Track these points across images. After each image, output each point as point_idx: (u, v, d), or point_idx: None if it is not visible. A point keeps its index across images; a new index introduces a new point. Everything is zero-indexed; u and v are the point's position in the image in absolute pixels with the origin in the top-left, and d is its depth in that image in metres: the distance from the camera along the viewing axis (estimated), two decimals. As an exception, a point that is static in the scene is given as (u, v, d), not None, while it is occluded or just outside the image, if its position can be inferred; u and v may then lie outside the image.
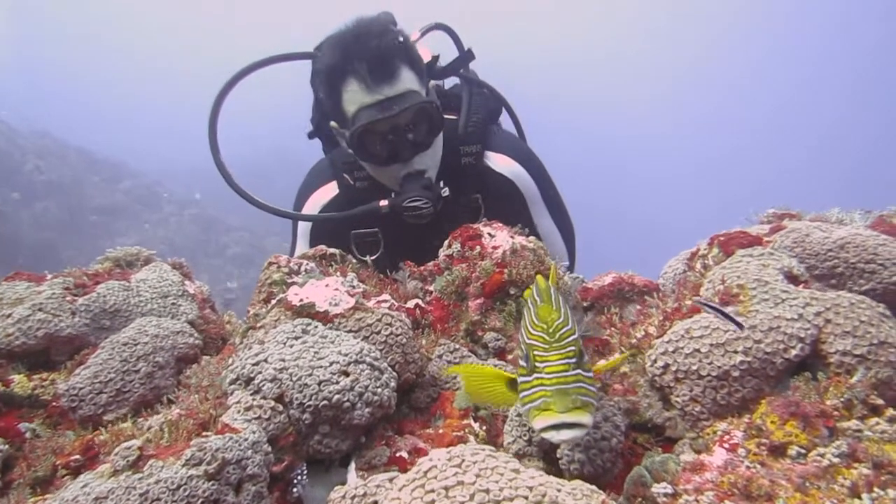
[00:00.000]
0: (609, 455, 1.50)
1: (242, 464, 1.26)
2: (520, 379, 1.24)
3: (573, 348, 1.20)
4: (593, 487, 1.13)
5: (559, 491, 1.09)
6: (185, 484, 1.18)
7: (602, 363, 1.44)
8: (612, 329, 2.02)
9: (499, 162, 2.79)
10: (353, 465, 1.49)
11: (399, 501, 1.10)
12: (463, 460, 1.13)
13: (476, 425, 1.60)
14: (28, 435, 1.68)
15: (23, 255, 13.81)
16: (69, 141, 20.29)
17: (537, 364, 1.19)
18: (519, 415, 1.53)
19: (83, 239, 16.18)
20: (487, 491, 1.06)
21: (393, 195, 2.51)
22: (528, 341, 1.24)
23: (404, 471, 1.47)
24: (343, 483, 1.49)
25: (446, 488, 1.08)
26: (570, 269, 3.00)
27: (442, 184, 2.53)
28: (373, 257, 2.61)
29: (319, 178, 2.85)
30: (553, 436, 1.15)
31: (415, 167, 2.49)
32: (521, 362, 1.25)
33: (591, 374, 1.21)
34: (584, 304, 2.17)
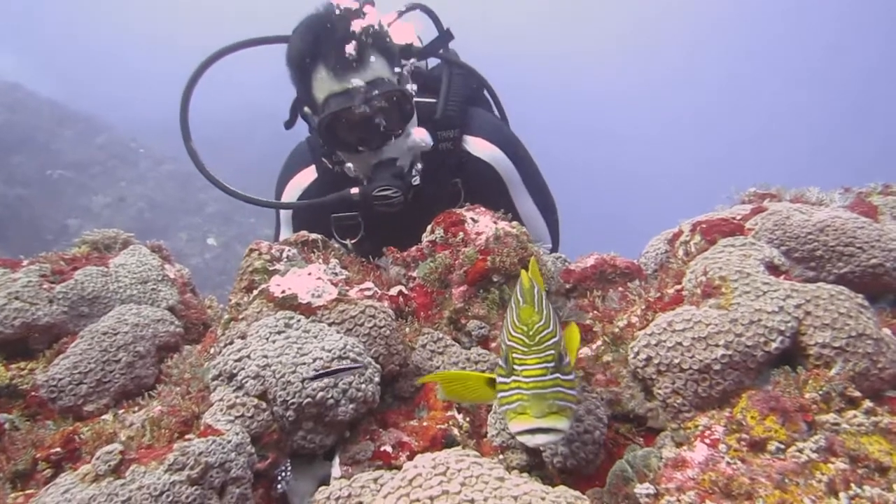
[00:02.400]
0: (592, 447, 1.51)
1: (226, 467, 1.26)
2: (498, 380, 1.24)
3: (552, 352, 1.19)
4: (577, 494, 1.15)
5: (543, 499, 1.10)
6: (168, 490, 1.17)
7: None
8: (595, 313, 2.03)
9: (477, 146, 2.75)
10: (337, 460, 1.50)
11: (384, 510, 1.11)
12: (448, 468, 1.14)
13: (460, 417, 1.60)
14: (7, 426, 1.67)
15: (-1, 211, 13.59)
16: (40, 93, 19.79)
17: (515, 367, 1.19)
18: None
19: (59, 196, 15.93)
20: (472, 501, 1.07)
21: (365, 183, 2.48)
22: (508, 343, 1.23)
23: (389, 465, 1.49)
24: (327, 476, 1.51)
25: (431, 498, 1.09)
26: (555, 247, 3.00)
27: (414, 172, 2.50)
28: (353, 241, 2.59)
29: (298, 162, 2.81)
30: (528, 439, 1.15)
31: (386, 155, 2.45)
32: (501, 363, 1.25)
33: (570, 378, 1.21)
34: (567, 287, 2.17)
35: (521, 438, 1.17)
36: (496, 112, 3.17)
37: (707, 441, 1.39)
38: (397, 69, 2.47)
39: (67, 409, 1.68)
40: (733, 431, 1.37)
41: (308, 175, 2.77)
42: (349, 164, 2.53)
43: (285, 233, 2.90)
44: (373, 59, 2.33)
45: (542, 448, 1.50)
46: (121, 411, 1.64)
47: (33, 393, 1.72)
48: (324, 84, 2.33)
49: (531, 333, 1.21)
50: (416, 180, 2.48)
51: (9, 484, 1.51)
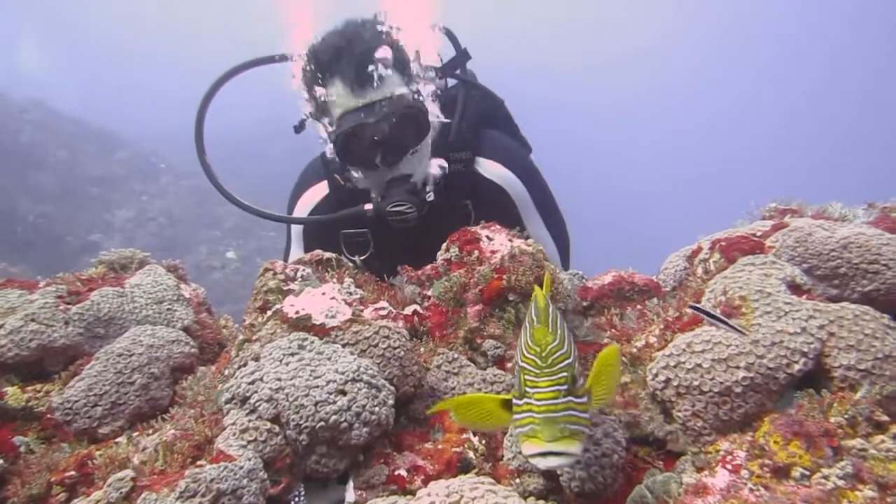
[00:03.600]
0: (610, 471, 1.48)
1: (238, 493, 1.24)
2: (514, 401, 1.22)
3: (565, 374, 1.17)
4: (593, 522, 1.12)
5: (559, 528, 1.07)
6: (180, 518, 1.16)
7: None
8: (613, 331, 2.00)
9: (489, 168, 2.74)
10: (351, 484, 1.48)
11: (397, 539, 1.09)
12: (462, 496, 1.12)
13: (475, 439, 1.58)
14: (22, 449, 1.67)
15: (21, 228, 13.77)
16: (63, 111, 20.09)
17: (527, 389, 1.17)
18: None
19: (81, 212, 16.12)
20: (487, 530, 1.05)
21: (379, 199, 2.47)
22: (521, 364, 1.21)
23: (403, 489, 1.47)
24: (341, 500, 1.49)
25: (445, 527, 1.06)
26: None
27: (428, 188, 2.49)
28: (362, 257, 2.58)
29: (311, 177, 2.82)
30: (540, 462, 1.13)
31: (400, 171, 2.46)
32: (515, 384, 1.23)
33: (584, 400, 1.19)
34: (584, 304, 2.15)
35: (533, 461, 1.15)
36: (514, 135, 3.16)
37: (729, 466, 1.36)
38: (413, 85, 2.46)
39: (82, 431, 1.68)
40: (756, 457, 1.34)
41: (320, 190, 2.78)
42: (362, 179, 2.53)
43: (296, 248, 2.91)
44: (390, 75, 2.32)
45: (558, 472, 1.48)
46: (135, 434, 1.63)
47: (48, 415, 1.72)
48: (340, 99, 2.34)
49: (544, 355, 1.19)
50: (431, 196, 2.47)
51: (23, 508, 1.50)
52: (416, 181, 2.50)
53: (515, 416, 1.19)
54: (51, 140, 17.43)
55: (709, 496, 1.31)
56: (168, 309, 2.02)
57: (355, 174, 2.57)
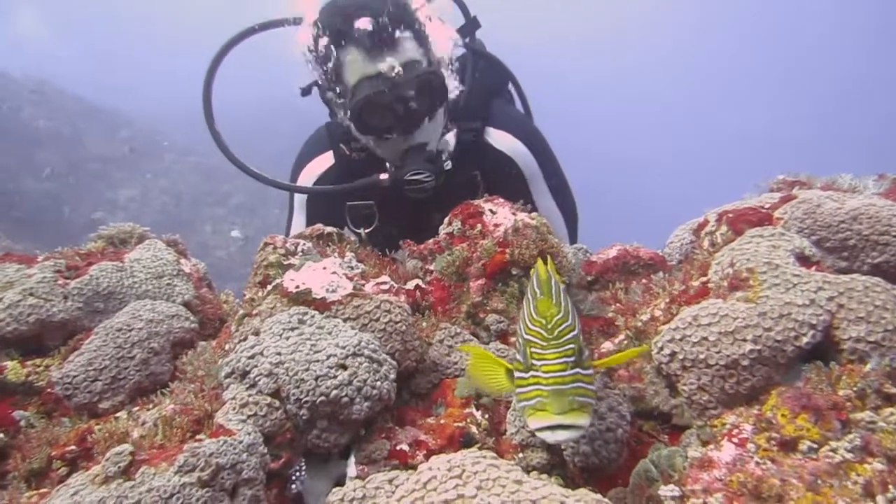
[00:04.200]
0: (615, 446, 1.47)
1: (237, 468, 1.23)
2: (516, 374, 1.20)
3: (572, 346, 1.15)
4: (598, 497, 1.10)
5: (563, 503, 1.05)
6: (179, 492, 1.14)
7: (606, 358, 1.39)
8: (618, 305, 1.98)
9: (499, 139, 2.70)
10: (352, 459, 1.46)
11: (397, 514, 1.07)
12: (464, 470, 1.10)
13: (478, 414, 1.56)
14: (23, 423, 1.66)
15: (26, 206, 13.77)
16: (66, 88, 20.02)
17: (534, 362, 1.14)
18: None
19: (85, 190, 16.12)
20: (488, 505, 1.03)
21: (393, 168, 2.43)
22: (525, 336, 1.19)
23: (405, 464, 1.45)
24: (343, 475, 1.48)
25: (446, 502, 1.04)
26: None
27: (445, 156, 2.45)
28: (367, 230, 2.55)
29: (315, 148, 2.77)
30: (548, 436, 1.12)
31: (416, 140, 2.41)
32: (518, 357, 1.21)
33: (590, 372, 1.17)
34: (589, 279, 2.12)
35: (541, 435, 1.13)
36: (521, 106, 3.11)
37: (735, 440, 1.33)
38: (429, 52, 2.41)
39: (83, 406, 1.67)
40: (762, 430, 1.31)
41: (324, 161, 2.73)
42: (377, 148, 2.49)
43: (298, 218, 2.86)
44: (405, 40, 2.28)
45: (562, 446, 1.46)
46: (135, 409, 1.62)
47: (49, 390, 1.71)
48: (355, 66, 2.28)
49: (550, 327, 1.16)
50: (448, 164, 2.43)
51: (24, 482, 1.50)
52: (432, 150, 2.46)
53: (519, 389, 1.17)
54: (54, 117, 17.39)
55: (714, 470, 1.29)
56: (168, 284, 2.00)
57: (369, 143, 2.53)
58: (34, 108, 17.24)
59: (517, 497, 1.05)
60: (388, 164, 2.48)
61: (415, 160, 2.37)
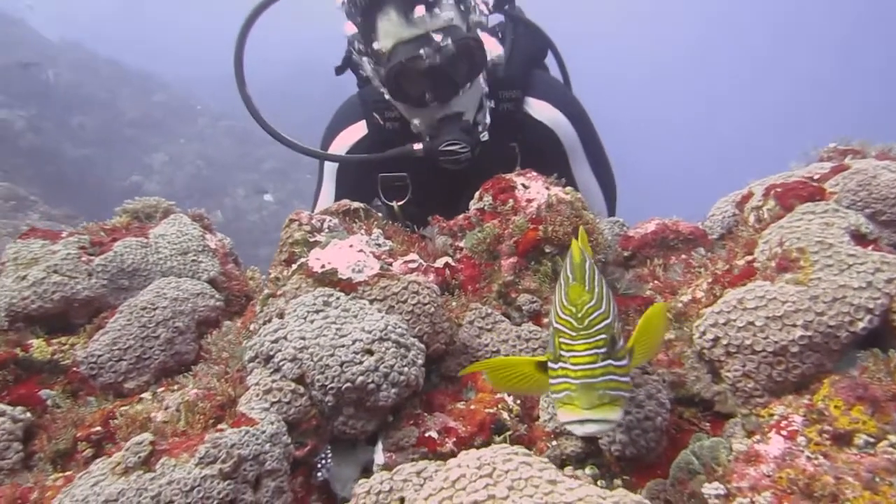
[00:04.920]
0: (653, 435, 1.40)
1: (260, 459, 1.19)
2: (549, 365, 1.14)
3: (604, 336, 1.08)
4: (638, 499, 1.03)
5: (599, 505, 0.99)
6: (200, 485, 1.11)
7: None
8: (656, 283, 1.89)
9: (540, 109, 2.59)
10: (380, 446, 1.42)
11: (424, 514, 1.02)
12: (494, 468, 1.04)
13: (510, 399, 1.50)
14: (49, 403, 1.65)
15: (67, 171, 13.95)
16: (99, 51, 20.12)
17: (563, 353, 1.08)
18: None
19: (121, 155, 16.29)
20: (521, 507, 0.98)
21: (428, 138, 2.34)
22: (555, 325, 1.13)
23: (434, 452, 1.40)
24: (370, 461, 1.44)
25: (475, 503, 0.99)
26: None
27: (481, 127, 2.36)
28: (400, 202, 2.48)
29: (347, 116, 2.68)
30: (577, 429, 1.07)
31: (453, 109, 2.31)
32: (549, 346, 1.15)
33: (624, 363, 1.10)
34: (625, 255, 2.04)
35: (569, 428, 1.08)
36: (560, 76, 2.99)
37: (784, 433, 1.26)
38: (470, 16, 2.31)
39: (108, 385, 1.65)
40: (814, 422, 1.23)
41: (357, 131, 2.65)
42: (410, 117, 2.41)
43: (327, 188, 2.79)
44: (444, 4, 2.18)
45: (598, 435, 1.40)
46: (160, 390, 1.60)
47: (74, 369, 1.69)
48: (392, 29, 2.18)
49: (580, 316, 1.09)
50: (485, 136, 2.35)
51: (49, 464, 1.48)
52: (468, 119, 2.36)
53: (551, 381, 1.11)
54: (89, 81, 17.52)
55: (762, 464, 1.22)
56: (193, 260, 1.96)
57: (403, 111, 2.45)
58: (71, 72, 17.37)
59: (551, 499, 0.99)
60: (423, 135, 2.40)
61: (450, 130, 2.27)
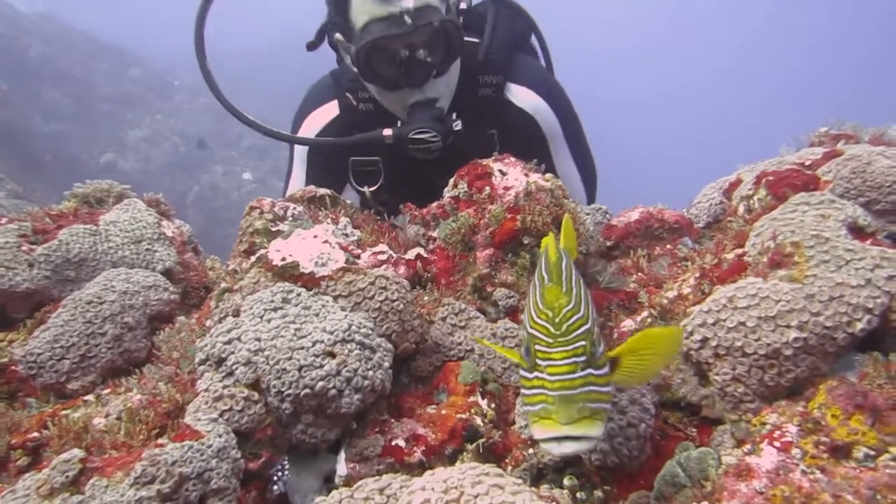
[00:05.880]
0: (636, 443, 1.32)
1: (205, 477, 1.08)
2: (521, 372, 1.05)
3: (583, 343, 0.98)
4: (621, 526, 0.94)
5: (579, 534, 0.89)
6: (135, 509, 0.99)
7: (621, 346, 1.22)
8: (640, 275, 1.80)
9: (521, 95, 2.49)
10: (342, 455, 1.31)
11: (384, 545, 0.92)
12: (462, 492, 0.94)
13: (484, 403, 1.40)
14: (-16, 405, 1.52)
15: (37, 147, 13.60)
16: (73, 24, 19.60)
17: (539, 361, 0.99)
18: None
19: (95, 131, 15.93)
20: (490, 539, 0.87)
21: (399, 124, 2.23)
22: (530, 330, 1.03)
23: (401, 462, 1.31)
24: (333, 471, 1.33)
25: (441, 533, 0.89)
26: None
27: (455, 116, 2.24)
28: (371, 188, 2.36)
29: (319, 96, 2.56)
30: (554, 448, 0.96)
31: (426, 95, 2.21)
32: (522, 353, 1.05)
33: (604, 372, 1.01)
34: (608, 244, 1.94)
35: (545, 447, 0.97)
36: (542, 61, 2.88)
37: (777, 444, 1.17)
38: None
39: (49, 386, 1.52)
40: (810, 432, 1.15)
41: (329, 111, 2.52)
42: (382, 100, 2.31)
43: (298, 171, 2.67)
44: None
45: None
46: (106, 391, 1.47)
47: (12, 367, 1.56)
48: (365, 6, 2.07)
49: (557, 321, 1.00)
50: (458, 125, 2.23)
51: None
52: (441, 107, 2.27)
53: (524, 391, 1.01)
54: (62, 56, 17.08)
55: (754, 480, 1.13)
56: (147, 249, 1.83)
57: (375, 94, 2.35)
58: (43, 45, 16.91)
59: (524, 527, 0.89)
60: (397, 120, 2.28)
61: (420, 117, 2.17)
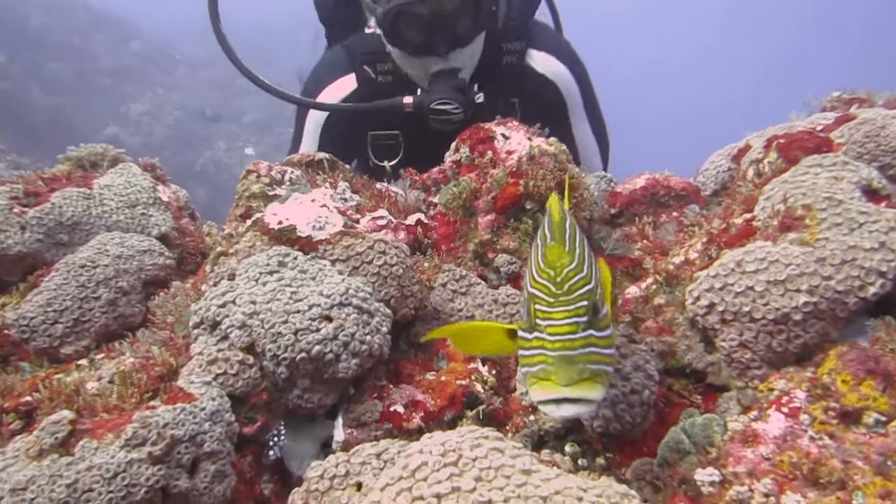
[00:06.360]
0: (640, 409, 1.30)
1: (198, 440, 1.05)
2: (520, 334, 1.02)
3: (585, 303, 0.95)
4: (624, 490, 0.91)
5: (580, 500, 0.86)
6: (124, 471, 0.97)
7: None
8: (645, 242, 1.76)
9: (542, 62, 2.49)
10: (339, 421, 1.29)
11: (379, 508, 0.89)
12: (460, 456, 0.91)
13: (484, 369, 1.38)
14: (-24, 370, 1.49)
15: (38, 118, 13.51)
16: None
17: (538, 321, 0.96)
18: None
19: (95, 103, 15.82)
20: (489, 503, 0.84)
21: (420, 92, 2.21)
22: (531, 290, 1.00)
23: (399, 428, 1.28)
24: (331, 437, 1.31)
25: (438, 496, 0.86)
26: None
27: (477, 88, 2.23)
28: (391, 163, 2.33)
29: (335, 68, 2.52)
30: (553, 411, 0.94)
31: (450, 64, 2.20)
32: (522, 313, 1.03)
33: (607, 334, 0.98)
34: (612, 212, 1.90)
35: (543, 409, 0.95)
36: (557, 26, 2.89)
37: (785, 410, 1.15)
38: None
39: (42, 350, 1.50)
40: (818, 398, 1.13)
41: (346, 84, 2.49)
42: (404, 66, 2.31)
43: (308, 143, 2.62)
44: None
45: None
46: (100, 356, 1.45)
47: (5, 331, 1.53)
48: None
49: (559, 280, 0.97)
50: (480, 98, 2.21)
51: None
52: (464, 77, 2.25)
53: (522, 352, 0.99)
54: (61, 26, 16.92)
55: (760, 446, 1.11)
56: (143, 214, 1.79)
57: (397, 59, 2.33)
58: (42, 15, 16.75)
59: (524, 491, 0.86)
60: (418, 90, 2.27)
61: (442, 87, 2.16)
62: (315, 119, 2.58)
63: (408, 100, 2.20)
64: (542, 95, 2.49)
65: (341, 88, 2.49)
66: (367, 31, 2.46)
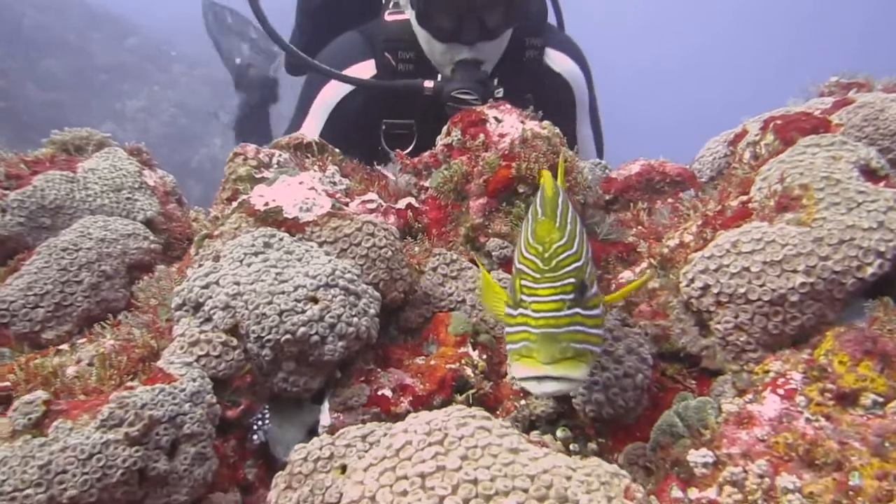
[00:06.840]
0: (633, 394, 1.27)
1: (177, 421, 1.02)
2: (505, 310, 1.00)
3: (572, 280, 0.94)
4: (614, 469, 0.88)
5: (569, 478, 0.84)
6: (100, 452, 0.94)
7: (615, 293, 1.17)
8: (640, 228, 1.74)
9: (558, 61, 2.55)
10: (326, 405, 1.26)
11: (362, 488, 0.86)
12: (446, 434, 0.88)
13: (475, 354, 1.35)
14: (-44, 356, 1.46)
15: (31, 116, 13.46)
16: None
17: (523, 297, 0.94)
18: None
19: (91, 100, 15.76)
20: (475, 482, 0.82)
21: (440, 78, 2.22)
22: (518, 265, 0.98)
23: (387, 412, 1.25)
24: (317, 423, 1.28)
25: (422, 475, 0.83)
26: None
27: (496, 82, 2.23)
28: (405, 152, 2.33)
29: (353, 53, 2.50)
30: (534, 387, 0.93)
31: (475, 55, 2.21)
32: (508, 290, 1.02)
33: (595, 313, 0.97)
34: (607, 198, 1.88)
35: (524, 385, 0.95)
36: (561, 25, 2.95)
37: (780, 391, 1.12)
38: None
39: (23, 335, 1.47)
40: (815, 380, 1.10)
41: (365, 70, 2.47)
42: (430, 50, 2.32)
43: (311, 126, 2.58)
44: None
45: (571, 393, 1.25)
46: (82, 341, 1.42)
47: (-16, 316, 1.50)
48: None
49: (546, 256, 0.95)
50: (500, 93, 2.21)
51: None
52: (486, 70, 2.26)
53: (508, 329, 0.97)
54: (56, 24, 16.86)
55: (755, 427, 1.08)
56: (128, 198, 1.76)
57: (423, 43, 2.34)
58: (37, 12, 16.68)
59: (511, 470, 0.84)
60: (438, 77, 2.28)
61: (465, 77, 2.17)
62: (324, 101, 2.55)
63: (428, 83, 2.22)
64: (555, 94, 2.51)
65: (360, 73, 2.47)
66: (389, 17, 2.45)
